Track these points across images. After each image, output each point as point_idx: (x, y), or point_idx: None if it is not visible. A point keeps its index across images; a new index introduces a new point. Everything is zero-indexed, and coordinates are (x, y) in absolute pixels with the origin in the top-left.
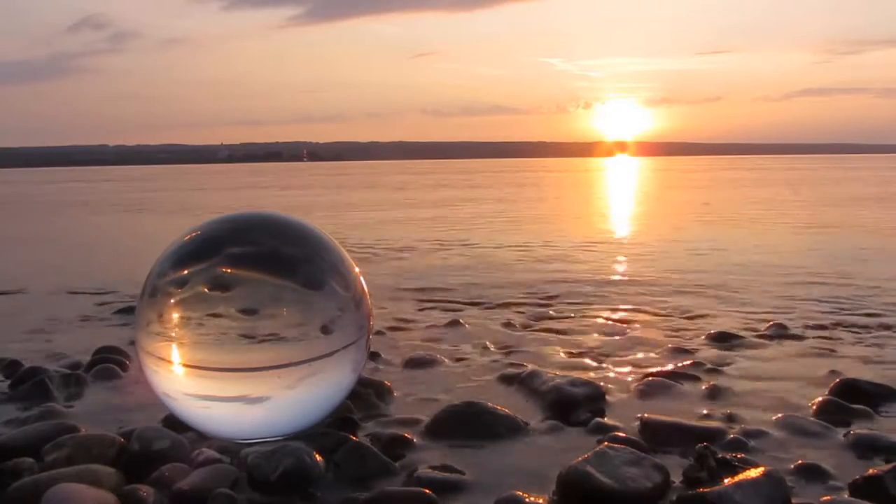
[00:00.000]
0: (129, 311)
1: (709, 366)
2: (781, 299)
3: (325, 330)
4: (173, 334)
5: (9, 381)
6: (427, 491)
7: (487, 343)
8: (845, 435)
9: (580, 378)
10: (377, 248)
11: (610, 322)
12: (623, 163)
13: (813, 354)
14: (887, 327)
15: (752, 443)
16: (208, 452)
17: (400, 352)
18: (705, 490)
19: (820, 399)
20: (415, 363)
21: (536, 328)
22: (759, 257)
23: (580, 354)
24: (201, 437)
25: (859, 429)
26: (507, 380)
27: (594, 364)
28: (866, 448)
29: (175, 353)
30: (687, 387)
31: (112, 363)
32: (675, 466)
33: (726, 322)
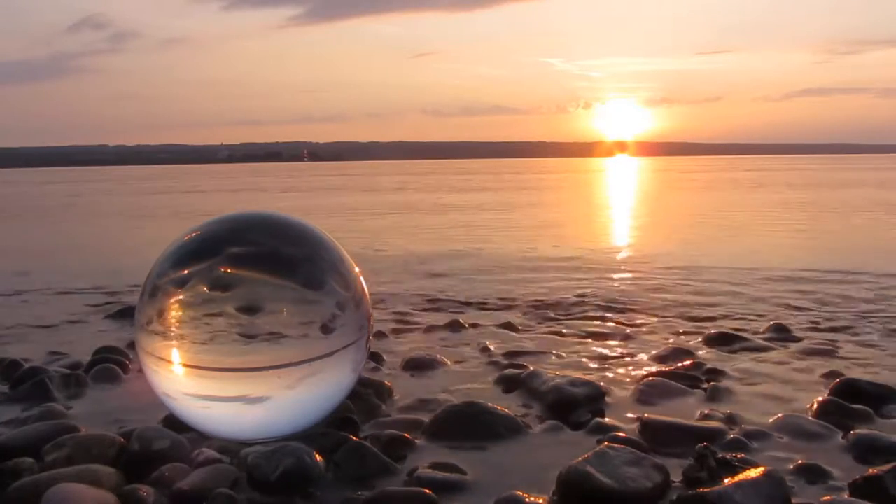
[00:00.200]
0: (129, 311)
1: (709, 366)
2: (782, 300)
3: (325, 330)
4: (173, 334)
5: (9, 382)
6: (427, 491)
7: (488, 343)
8: (845, 435)
9: (580, 378)
10: (382, 253)
11: (610, 322)
12: (623, 163)
13: (813, 355)
14: (887, 327)
15: (752, 443)
16: (208, 452)
17: (400, 352)
18: (705, 490)
19: (820, 399)
20: (415, 363)
21: (536, 329)
22: (759, 256)
23: (580, 354)
24: (201, 437)
25: (859, 429)
26: (507, 380)
27: (594, 364)
28: (866, 448)
29: (175, 353)
30: (687, 387)
31: (112, 363)
32: (675, 466)
33: (726, 322)
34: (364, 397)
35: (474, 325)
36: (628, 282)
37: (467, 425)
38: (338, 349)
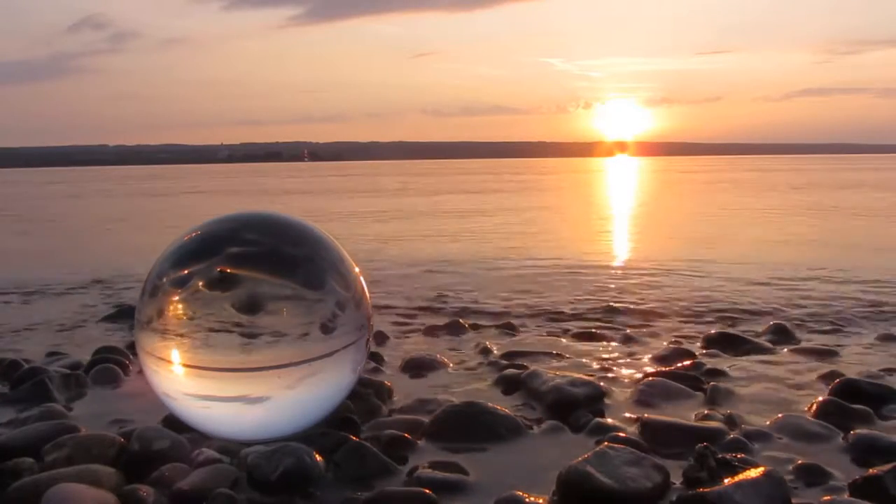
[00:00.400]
0: (128, 311)
1: (709, 366)
2: (782, 300)
3: (325, 330)
4: (173, 334)
5: (9, 382)
6: (427, 491)
7: (487, 344)
8: (845, 435)
9: (580, 378)
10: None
11: (610, 323)
12: (623, 163)
13: (813, 355)
14: (887, 328)
15: (752, 443)
16: (208, 452)
17: (400, 352)
18: (705, 490)
19: (820, 399)
20: (415, 363)
21: (536, 329)
22: (759, 257)
23: (580, 355)
24: (201, 437)
25: (859, 429)
26: (507, 380)
27: (594, 364)
28: (866, 448)
29: (175, 353)
30: (687, 387)
31: (112, 363)
32: (675, 466)
33: (726, 323)
34: (364, 397)
35: (474, 326)
36: (628, 282)
37: (467, 425)
38: (338, 349)
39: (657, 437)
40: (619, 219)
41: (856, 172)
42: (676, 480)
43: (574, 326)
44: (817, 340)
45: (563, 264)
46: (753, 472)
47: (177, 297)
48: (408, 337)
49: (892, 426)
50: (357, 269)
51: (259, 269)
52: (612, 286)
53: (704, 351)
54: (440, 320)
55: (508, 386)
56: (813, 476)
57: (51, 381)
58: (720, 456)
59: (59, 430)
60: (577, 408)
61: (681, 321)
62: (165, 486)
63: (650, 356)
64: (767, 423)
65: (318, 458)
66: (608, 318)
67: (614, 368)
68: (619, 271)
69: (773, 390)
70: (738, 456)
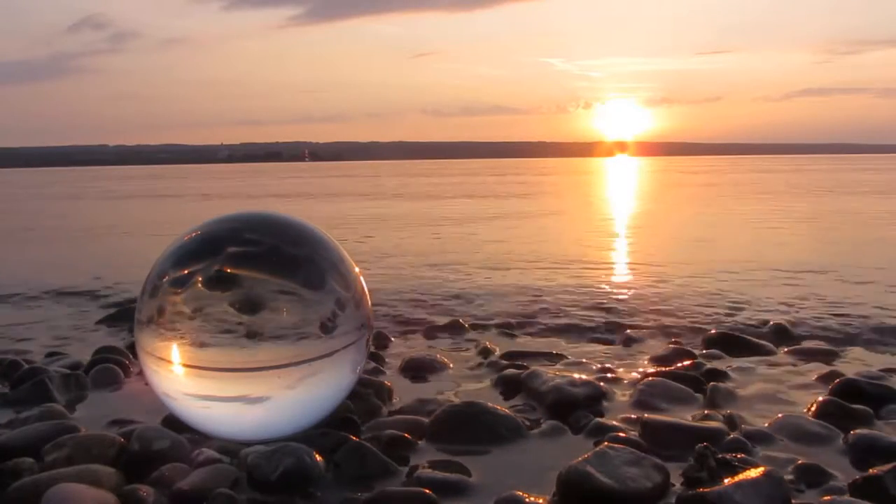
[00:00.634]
0: (129, 311)
1: (709, 366)
2: (782, 300)
3: (325, 330)
4: (173, 334)
5: (9, 382)
6: (427, 491)
7: (488, 344)
8: (845, 435)
9: (580, 378)
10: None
11: (610, 323)
12: (623, 163)
13: (813, 355)
14: (887, 327)
15: (752, 443)
16: (208, 452)
17: (400, 352)
18: (705, 490)
19: (820, 399)
20: (415, 364)
21: (536, 329)
22: (759, 258)
23: (580, 355)
24: (201, 437)
25: (859, 429)
26: (507, 380)
27: (594, 364)
28: (866, 448)
29: (175, 353)
30: (687, 387)
31: (112, 363)
32: (675, 466)
33: (727, 323)
34: (364, 397)
35: (474, 326)
36: (629, 282)
37: (467, 426)
38: (338, 349)
39: (657, 437)
40: (621, 220)
41: (858, 173)
42: (676, 480)
43: (574, 326)
44: (818, 340)
45: (563, 264)
46: (753, 472)
47: (177, 297)
48: (408, 336)
49: (892, 426)
50: (357, 269)
51: (259, 268)
52: (613, 286)
53: (704, 351)
54: (440, 320)
55: (508, 386)
56: (813, 476)
57: (51, 382)
58: (720, 456)
59: (59, 430)
60: (578, 408)
61: (681, 321)
62: (165, 486)
63: (650, 356)
64: (767, 423)
65: (318, 458)
66: (608, 318)
67: (614, 368)
68: (620, 271)
69: (773, 390)
70: (738, 456)
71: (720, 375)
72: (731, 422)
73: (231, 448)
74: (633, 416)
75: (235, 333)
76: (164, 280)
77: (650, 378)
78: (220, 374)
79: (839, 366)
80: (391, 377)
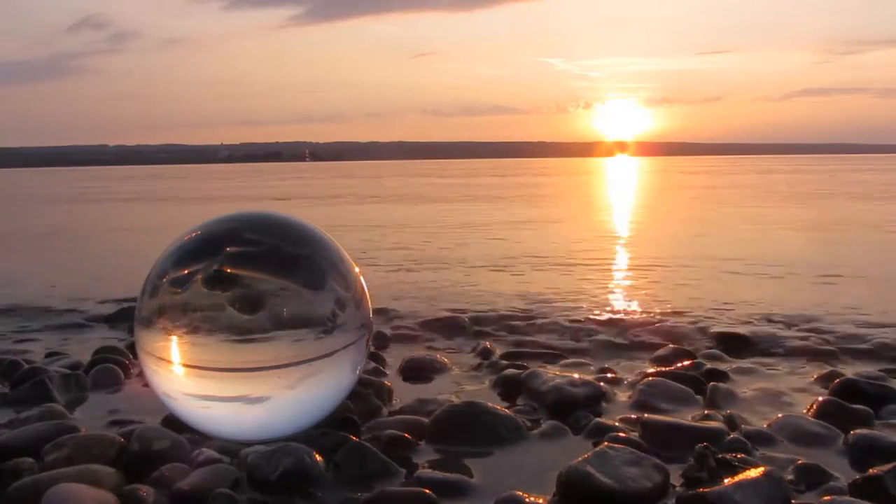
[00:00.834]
0: (129, 311)
1: (709, 366)
2: (782, 299)
3: (325, 330)
4: (173, 334)
5: (9, 382)
6: (427, 491)
7: (488, 344)
8: (845, 435)
9: (580, 378)
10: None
11: (610, 323)
12: (624, 163)
13: (813, 355)
14: (888, 328)
15: (752, 443)
16: (208, 452)
17: (400, 352)
18: (705, 490)
19: (820, 399)
20: (415, 364)
21: (536, 329)
22: (759, 258)
23: (581, 354)
24: (201, 437)
25: (859, 429)
26: (507, 380)
27: (594, 364)
28: (866, 448)
29: (175, 353)
30: (687, 387)
31: (112, 363)
32: (675, 466)
33: (727, 323)
34: (364, 397)
35: (474, 326)
36: (630, 283)
37: (467, 426)
38: (338, 349)
39: (657, 437)
40: (623, 220)
41: (861, 174)
42: (676, 480)
43: (574, 326)
44: (818, 340)
45: (564, 264)
46: (753, 472)
47: (177, 297)
48: (408, 336)
49: (892, 426)
50: (357, 269)
51: (259, 268)
52: (614, 286)
53: (704, 351)
54: (441, 321)
55: (508, 386)
56: (813, 476)
57: (51, 382)
58: (720, 456)
59: (59, 430)
60: (578, 408)
61: (681, 320)
62: (165, 486)
63: (650, 356)
64: (767, 423)
65: (318, 458)
66: (609, 318)
67: (614, 368)
68: (621, 272)
69: (773, 390)
70: (738, 456)
71: (720, 376)
72: (731, 422)
73: (231, 448)
74: (633, 416)
75: (235, 333)
76: (164, 280)
77: (650, 378)
78: (220, 374)
79: (839, 366)
80: (391, 377)
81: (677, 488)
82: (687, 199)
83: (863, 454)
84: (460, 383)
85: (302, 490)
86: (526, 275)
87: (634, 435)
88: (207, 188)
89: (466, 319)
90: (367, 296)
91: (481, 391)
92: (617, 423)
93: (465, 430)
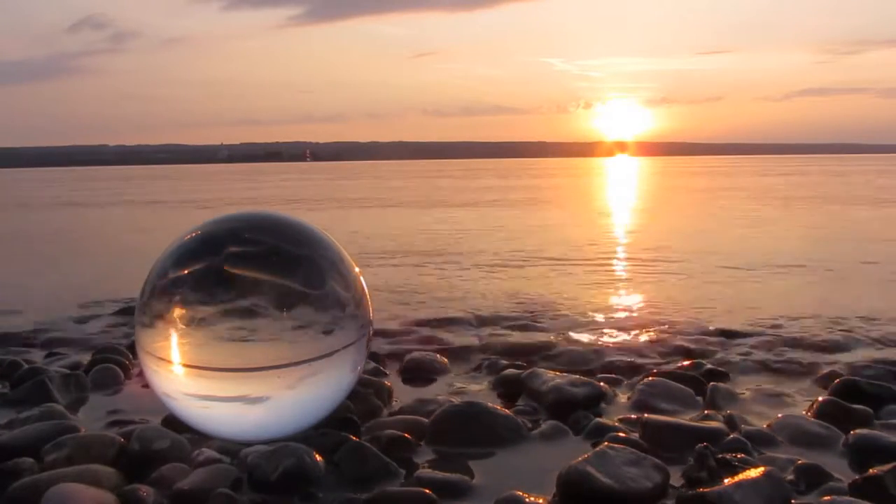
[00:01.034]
0: (129, 311)
1: (709, 366)
2: (782, 299)
3: (325, 330)
4: (173, 334)
5: (9, 382)
6: (427, 491)
7: (488, 343)
8: (845, 435)
9: (580, 378)
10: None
11: (611, 323)
12: (624, 163)
13: (813, 355)
14: (889, 328)
15: (752, 443)
16: (208, 452)
17: (400, 352)
18: (705, 490)
19: (820, 399)
20: (415, 363)
21: (537, 329)
22: (760, 257)
23: (581, 355)
24: (201, 437)
25: (859, 429)
26: (507, 380)
27: (594, 364)
28: (866, 448)
29: (175, 353)
30: (687, 387)
31: (112, 363)
32: (675, 466)
33: (727, 323)
34: (364, 397)
35: (475, 326)
36: (630, 283)
37: (467, 426)
38: (338, 349)
39: (657, 437)
40: (625, 219)
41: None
42: (676, 480)
43: (574, 326)
44: (818, 340)
45: (565, 264)
46: (753, 472)
47: (177, 297)
48: (408, 336)
49: (892, 426)
50: (357, 269)
51: (259, 269)
52: (615, 286)
53: (705, 350)
54: (441, 320)
55: (508, 386)
56: (813, 476)
57: (51, 382)
58: (720, 456)
59: (59, 430)
60: (578, 408)
61: (681, 320)
62: (165, 486)
63: (651, 355)
64: (767, 423)
65: (318, 458)
66: (609, 318)
67: (614, 368)
68: (622, 272)
69: (774, 390)
70: (738, 456)
71: (720, 375)
72: (731, 422)
73: (231, 448)
74: (633, 416)
75: (235, 333)
76: (164, 280)
77: (650, 378)
78: (220, 374)
79: (840, 365)
80: (391, 377)
81: (677, 488)
82: (700, 202)
83: (863, 454)
84: (460, 383)
85: (302, 490)
86: (528, 273)
87: (634, 435)
88: (220, 189)
89: (467, 318)
90: (367, 296)
91: (481, 391)
92: (617, 423)
93: (465, 431)
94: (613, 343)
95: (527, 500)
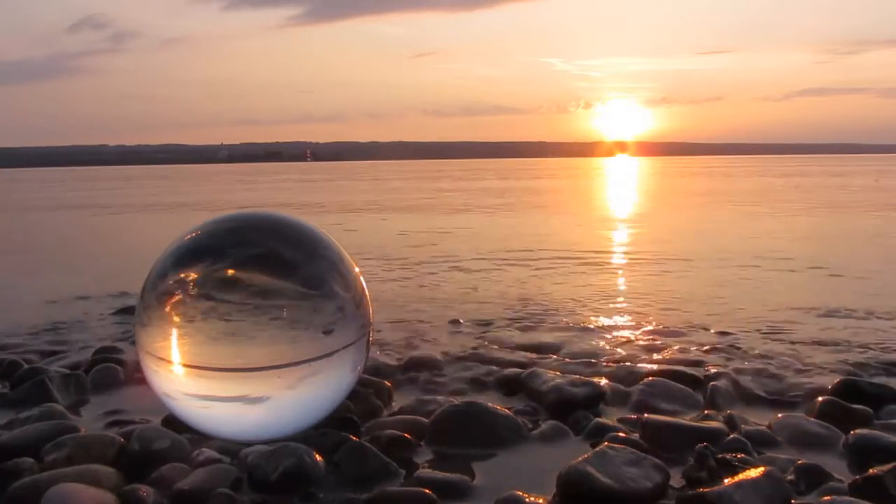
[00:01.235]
0: (129, 310)
1: (709, 366)
2: (781, 299)
3: (325, 330)
4: (173, 334)
5: (9, 382)
6: (427, 491)
7: (488, 343)
8: (846, 435)
9: (580, 378)
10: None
11: (611, 322)
12: (624, 163)
13: (813, 354)
14: (889, 328)
15: (752, 443)
16: (208, 452)
17: (400, 351)
18: (705, 490)
19: (820, 399)
20: (415, 363)
21: (537, 329)
22: (759, 257)
23: (581, 355)
24: (201, 437)
25: (859, 429)
26: (507, 380)
27: (594, 364)
28: (866, 448)
29: (175, 353)
30: (687, 387)
31: (112, 363)
32: (675, 466)
33: (727, 323)
34: (364, 397)
35: (474, 325)
36: (631, 283)
37: (467, 426)
38: (338, 349)
39: (657, 437)
40: (626, 219)
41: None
42: (676, 480)
43: (574, 326)
44: (818, 340)
45: (565, 265)
46: (753, 472)
47: (177, 297)
48: (408, 336)
49: (892, 426)
50: (357, 269)
51: (259, 268)
52: (615, 286)
53: (705, 350)
54: (441, 320)
55: (509, 386)
56: (813, 476)
57: (51, 381)
58: (720, 456)
59: (59, 430)
60: (578, 408)
61: (681, 320)
62: (165, 486)
63: (650, 355)
64: (767, 423)
65: (318, 458)
66: (609, 318)
67: (614, 368)
68: (622, 272)
69: (774, 389)
70: (738, 456)
71: (720, 376)
72: (731, 422)
73: (231, 448)
74: (633, 416)
75: (235, 333)
76: (164, 280)
77: (650, 378)
78: (220, 374)
79: (839, 365)
80: (391, 376)
81: (677, 488)
82: (702, 197)
83: (863, 454)
84: (460, 383)
85: (302, 490)
86: (528, 273)
87: (634, 435)
88: (235, 190)
89: (468, 318)
90: (367, 296)
91: (482, 390)
92: (617, 423)
93: (465, 430)
94: (613, 343)
95: (527, 500)
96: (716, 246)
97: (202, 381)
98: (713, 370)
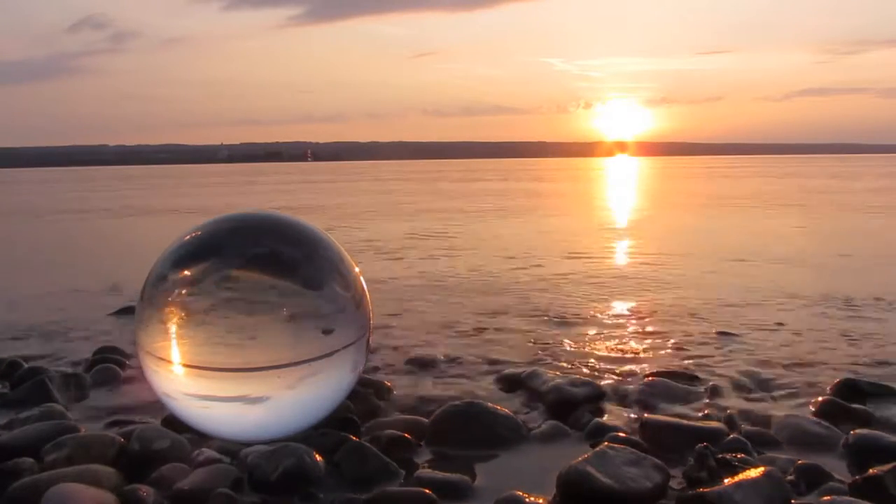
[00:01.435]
0: (129, 310)
1: (709, 366)
2: (781, 299)
3: (325, 330)
4: (173, 334)
5: (9, 382)
6: (427, 491)
7: (489, 343)
8: (845, 435)
9: (580, 378)
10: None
11: (610, 322)
12: (624, 163)
13: (813, 354)
14: (889, 328)
15: (752, 443)
16: (208, 452)
17: (400, 351)
18: (705, 490)
19: (820, 399)
20: (415, 363)
21: (537, 329)
22: (760, 260)
23: (581, 355)
24: (201, 437)
25: (859, 429)
26: (507, 380)
27: (594, 364)
28: (866, 448)
29: (175, 353)
30: (687, 387)
31: (112, 363)
32: (676, 466)
33: (727, 323)
34: (364, 397)
35: (474, 325)
36: (631, 283)
37: (468, 425)
38: (338, 349)
39: (657, 437)
40: (625, 219)
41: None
42: (676, 481)
43: (575, 326)
44: (818, 340)
45: (566, 263)
46: (753, 472)
47: (177, 297)
48: (408, 336)
49: (892, 426)
50: (357, 269)
51: (259, 269)
52: (615, 287)
53: (705, 350)
54: (441, 319)
55: (509, 386)
56: (813, 476)
57: (51, 381)
58: (720, 456)
59: (59, 430)
60: (578, 408)
61: (681, 320)
62: (165, 486)
63: (651, 355)
64: (767, 422)
65: (318, 458)
66: (609, 318)
67: (614, 368)
68: (622, 272)
69: (774, 389)
70: (738, 456)
71: (720, 375)
72: (731, 422)
73: (231, 448)
74: (633, 416)
75: (236, 333)
76: (165, 280)
77: (650, 378)
78: (220, 374)
79: (839, 365)
80: (391, 376)
81: (677, 488)
82: (704, 200)
83: (863, 454)
84: (461, 382)
85: (302, 490)
86: (530, 274)
87: (634, 435)
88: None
89: (468, 317)
90: (367, 296)
91: (482, 390)
92: (617, 423)
93: (465, 430)
94: (613, 343)
95: (527, 500)
96: (716, 245)
97: (202, 381)
98: (713, 370)
